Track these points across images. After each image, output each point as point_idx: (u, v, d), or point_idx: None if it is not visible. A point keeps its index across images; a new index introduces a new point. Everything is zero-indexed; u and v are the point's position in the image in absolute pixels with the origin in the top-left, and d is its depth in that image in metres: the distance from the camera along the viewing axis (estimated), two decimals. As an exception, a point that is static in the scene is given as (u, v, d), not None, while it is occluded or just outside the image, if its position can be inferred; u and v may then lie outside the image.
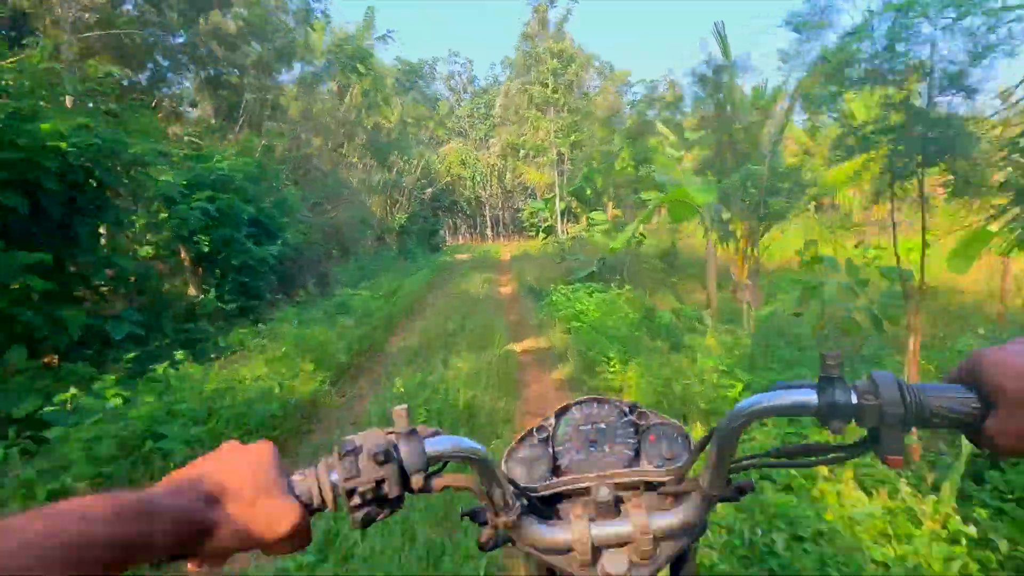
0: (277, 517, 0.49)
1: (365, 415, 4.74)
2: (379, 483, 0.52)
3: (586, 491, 0.70)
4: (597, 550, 0.65)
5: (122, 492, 0.43)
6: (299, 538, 0.51)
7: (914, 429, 0.53)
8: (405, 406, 0.56)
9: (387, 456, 0.52)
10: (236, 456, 0.51)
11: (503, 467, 0.65)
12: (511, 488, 0.64)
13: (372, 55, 19.28)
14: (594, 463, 0.74)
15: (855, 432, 0.55)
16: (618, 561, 0.63)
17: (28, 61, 5.46)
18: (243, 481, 0.48)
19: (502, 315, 9.35)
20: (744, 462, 0.63)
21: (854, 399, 0.51)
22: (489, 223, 38.97)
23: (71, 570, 0.37)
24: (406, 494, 0.55)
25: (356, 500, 0.52)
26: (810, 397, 0.53)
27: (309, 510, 0.52)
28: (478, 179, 35.16)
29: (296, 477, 0.53)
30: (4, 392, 4.07)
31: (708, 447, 0.62)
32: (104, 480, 3.13)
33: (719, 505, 0.67)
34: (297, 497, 0.51)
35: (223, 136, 11.32)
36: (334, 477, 0.52)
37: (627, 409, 0.77)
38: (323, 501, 0.52)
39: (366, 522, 0.53)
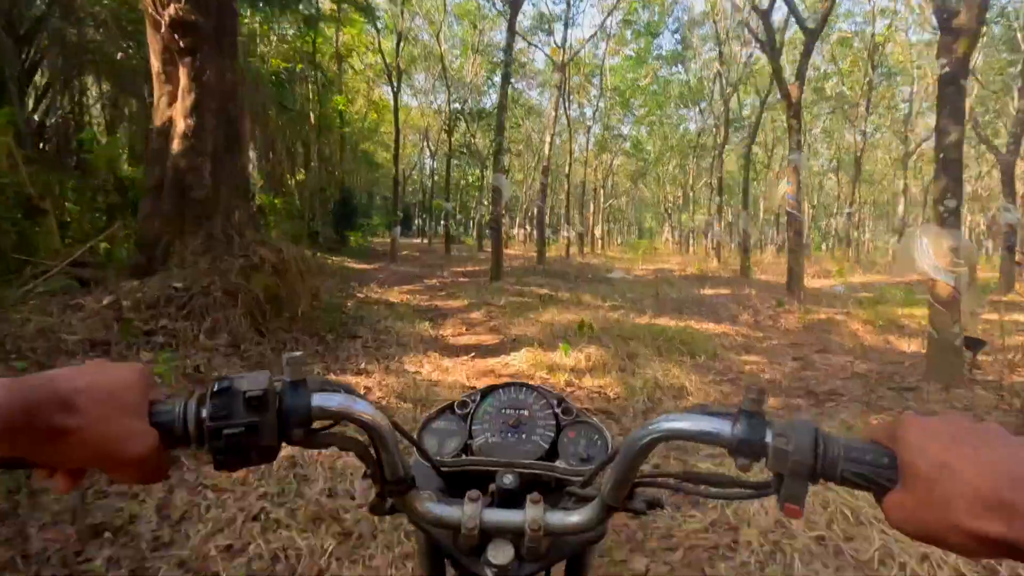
0: (131, 439, 0.45)
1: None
2: (251, 428, 0.48)
3: (492, 476, 0.68)
4: (487, 537, 0.62)
5: None
6: (152, 468, 0.48)
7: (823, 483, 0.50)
8: (300, 353, 0.53)
9: (264, 402, 0.48)
10: (100, 371, 0.46)
11: (416, 435, 0.63)
12: (402, 460, 0.61)
13: None
14: (507, 449, 0.72)
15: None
16: (504, 552, 0.60)
17: None
18: (102, 394, 0.44)
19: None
20: (648, 479, 0.61)
21: (768, 438, 0.49)
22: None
23: None
24: (285, 446, 0.51)
25: (222, 442, 0.48)
26: (723, 428, 0.51)
27: (168, 441, 0.48)
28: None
29: (162, 405, 0.49)
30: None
31: (617, 457, 0.60)
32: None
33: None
34: (156, 424, 0.47)
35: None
36: (202, 413, 0.48)
37: (554, 401, 0.75)
38: (185, 434, 0.48)
39: (230, 467, 0.50)
